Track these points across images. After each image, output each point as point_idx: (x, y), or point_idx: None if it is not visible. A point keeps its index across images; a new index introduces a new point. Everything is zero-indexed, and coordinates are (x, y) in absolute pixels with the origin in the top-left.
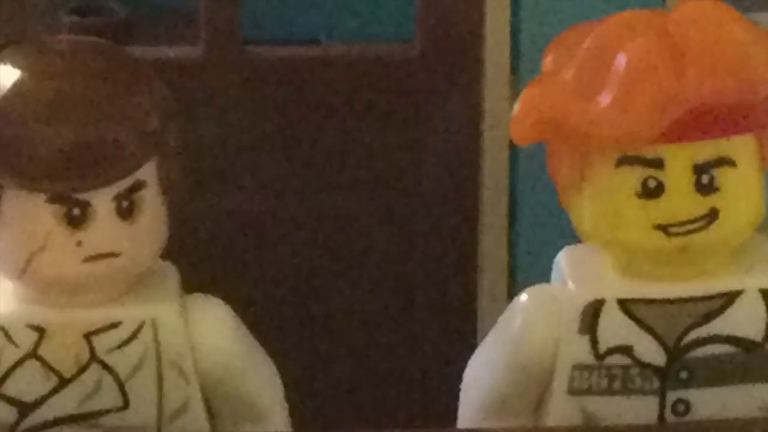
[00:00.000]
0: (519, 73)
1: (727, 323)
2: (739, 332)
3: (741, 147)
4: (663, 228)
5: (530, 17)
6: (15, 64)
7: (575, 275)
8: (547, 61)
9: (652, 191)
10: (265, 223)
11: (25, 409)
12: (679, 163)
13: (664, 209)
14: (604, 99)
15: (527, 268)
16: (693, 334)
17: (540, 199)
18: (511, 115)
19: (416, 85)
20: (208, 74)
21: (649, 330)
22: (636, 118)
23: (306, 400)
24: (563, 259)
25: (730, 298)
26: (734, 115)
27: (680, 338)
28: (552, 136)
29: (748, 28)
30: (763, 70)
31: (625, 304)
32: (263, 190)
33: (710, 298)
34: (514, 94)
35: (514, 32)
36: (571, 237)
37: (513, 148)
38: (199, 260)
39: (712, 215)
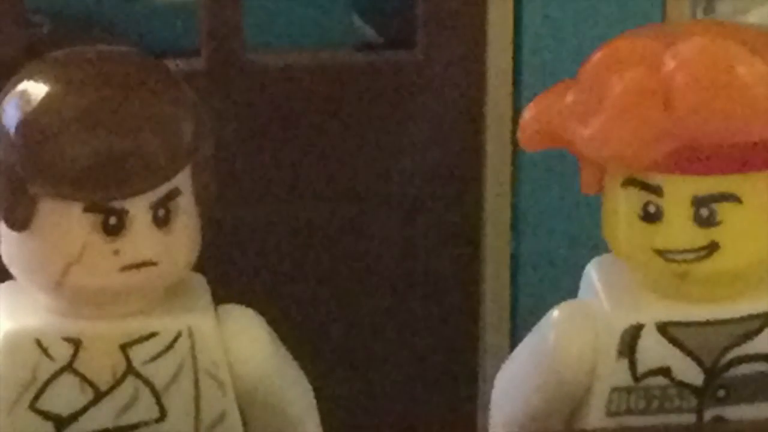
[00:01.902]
0: (521, 79)
1: (765, 343)
2: None
3: (750, 184)
4: (661, 253)
5: (533, 22)
6: (48, 75)
7: (610, 294)
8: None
9: (651, 216)
10: (267, 232)
11: (61, 423)
12: (677, 194)
13: (662, 235)
14: (595, 123)
15: (530, 276)
16: (731, 354)
17: (543, 206)
18: (520, 121)
19: (419, 91)
20: (210, 84)
21: (688, 351)
22: (621, 147)
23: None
24: (594, 272)
25: (767, 318)
26: (738, 154)
27: (718, 358)
28: (557, 146)
29: (752, 68)
30: (763, 111)
31: (663, 327)
32: (268, 199)
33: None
34: (517, 101)
35: (517, 37)
36: (574, 242)
37: (515, 155)
38: (202, 270)
39: (711, 248)
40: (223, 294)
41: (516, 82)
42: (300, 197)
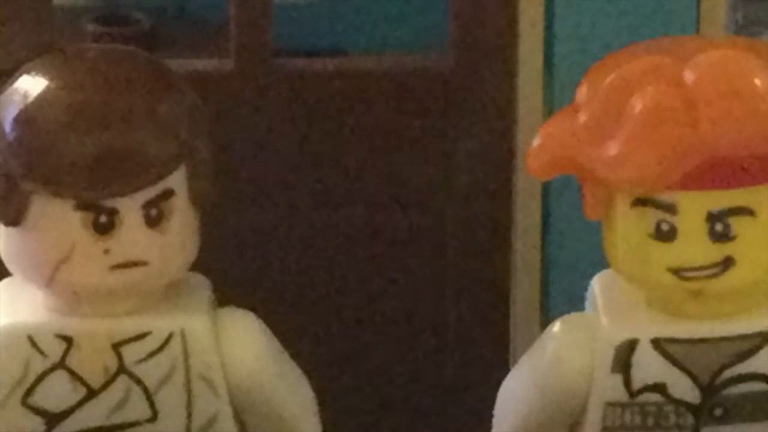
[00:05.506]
0: (552, 86)
1: (763, 362)
2: None
3: (762, 196)
4: (675, 271)
5: (564, 28)
6: (44, 72)
7: (608, 309)
8: (580, 93)
9: (665, 234)
10: (293, 237)
11: (52, 420)
12: (692, 210)
13: (677, 253)
14: (615, 145)
15: (561, 283)
16: (728, 373)
17: (574, 212)
18: (528, 150)
19: (449, 97)
20: (238, 87)
21: (683, 369)
22: (645, 167)
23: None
24: (597, 287)
25: (765, 337)
26: (752, 166)
27: (715, 376)
28: (569, 172)
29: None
30: None
31: (658, 344)
32: (292, 203)
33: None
34: (548, 107)
35: (548, 43)
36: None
37: None
38: (228, 274)
39: (727, 263)
40: (249, 302)
41: (547, 84)
42: (327, 200)
